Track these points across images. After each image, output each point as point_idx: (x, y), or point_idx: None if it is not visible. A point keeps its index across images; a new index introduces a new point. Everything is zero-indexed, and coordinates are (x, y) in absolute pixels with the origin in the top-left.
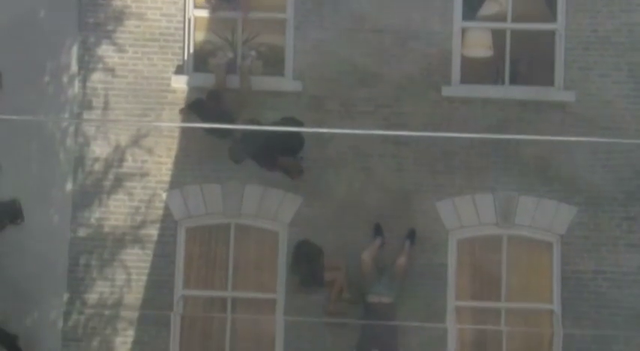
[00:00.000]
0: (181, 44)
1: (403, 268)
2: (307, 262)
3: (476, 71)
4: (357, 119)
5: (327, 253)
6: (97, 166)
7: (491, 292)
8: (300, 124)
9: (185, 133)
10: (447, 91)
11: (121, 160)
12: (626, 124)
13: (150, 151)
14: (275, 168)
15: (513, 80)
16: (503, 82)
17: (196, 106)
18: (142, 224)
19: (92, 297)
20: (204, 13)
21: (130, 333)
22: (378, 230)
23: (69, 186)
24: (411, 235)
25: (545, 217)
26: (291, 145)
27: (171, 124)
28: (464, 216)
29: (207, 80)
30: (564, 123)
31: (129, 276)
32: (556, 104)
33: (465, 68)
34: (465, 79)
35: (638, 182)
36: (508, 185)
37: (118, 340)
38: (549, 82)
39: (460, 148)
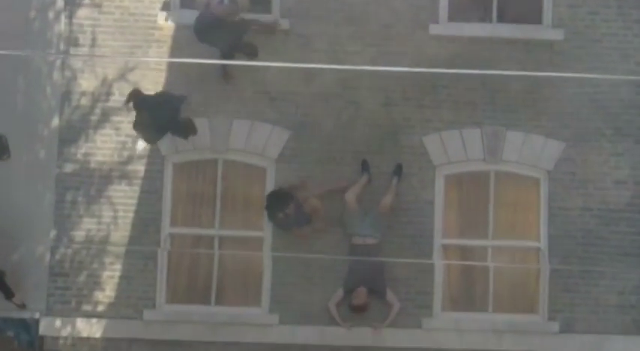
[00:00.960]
0: None
1: (388, 207)
2: (280, 210)
3: (463, 9)
4: (344, 59)
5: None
6: (84, 101)
7: (478, 229)
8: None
9: (172, 67)
10: (434, 29)
11: (108, 94)
12: (614, 63)
13: (137, 85)
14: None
15: (501, 18)
16: (491, 21)
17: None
18: (129, 160)
19: (79, 234)
20: None
21: (117, 267)
22: (364, 166)
23: (55, 121)
24: (398, 170)
25: (532, 152)
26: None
27: (157, 58)
28: (451, 151)
29: (194, 17)
30: (552, 62)
31: (115, 213)
32: (544, 43)
33: (453, 6)
34: (452, 18)
35: (626, 117)
36: (495, 120)
37: (105, 274)
38: (537, 20)
39: (448, 82)
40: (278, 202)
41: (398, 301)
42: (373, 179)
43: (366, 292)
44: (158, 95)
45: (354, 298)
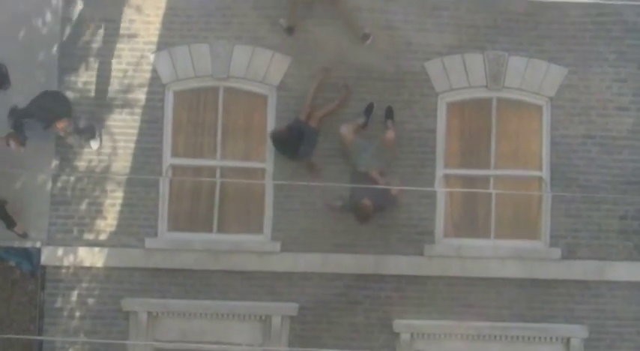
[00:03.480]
0: None
1: (392, 141)
2: (290, 145)
3: None
4: None
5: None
6: (85, 28)
7: (480, 158)
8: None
9: None
10: None
11: (109, 21)
12: None
13: (138, 9)
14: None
15: None
16: None
17: None
18: (130, 88)
19: (80, 165)
20: None
21: (119, 195)
22: (368, 110)
23: (55, 49)
24: (389, 113)
25: (535, 78)
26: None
27: None
28: (453, 78)
29: None
30: None
31: (116, 143)
32: None
33: None
34: None
35: (629, 42)
36: (498, 44)
37: (107, 202)
38: None
39: (450, 4)
40: (293, 137)
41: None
42: (376, 106)
43: (371, 204)
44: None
45: (358, 209)
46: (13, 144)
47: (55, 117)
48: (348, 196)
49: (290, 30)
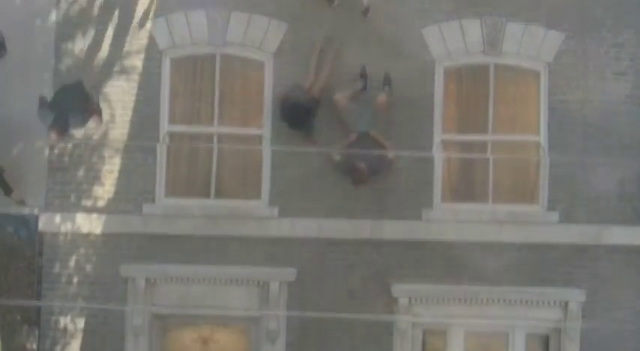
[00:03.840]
0: None
1: (384, 105)
2: (295, 110)
3: None
4: None
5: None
6: None
7: (477, 124)
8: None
9: None
10: None
11: None
12: None
13: None
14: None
15: None
16: None
17: None
18: (127, 55)
19: (77, 132)
20: None
21: (116, 162)
22: (362, 73)
23: (52, 16)
24: (387, 80)
25: (532, 44)
26: None
27: None
28: (450, 43)
29: None
30: None
31: (113, 110)
32: None
33: None
34: None
35: (627, 6)
36: (495, 9)
37: (104, 168)
38: None
39: None
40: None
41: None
42: (372, 71)
43: (366, 167)
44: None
45: (353, 172)
46: (53, 135)
47: (89, 114)
48: (344, 158)
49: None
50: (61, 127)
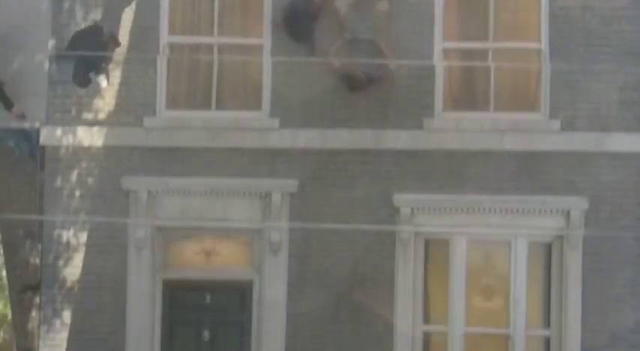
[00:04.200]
0: None
1: (385, 12)
2: (298, 16)
3: None
4: None
5: None
6: None
7: (478, 31)
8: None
9: None
10: None
11: None
12: None
13: None
14: None
15: None
16: None
17: None
18: None
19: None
20: None
21: (117, 74)
22: None
23: None
24: None
25: None
26: None
27: None
28: None
29: None
30: None
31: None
32: None
33: None
34: None
35: None
36: None
37: (104, 82)
38: None
39: None
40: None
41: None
42: None
43: (364, 75)
44: None
45: (350, 78)
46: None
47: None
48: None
49: None
50: (82, 80)
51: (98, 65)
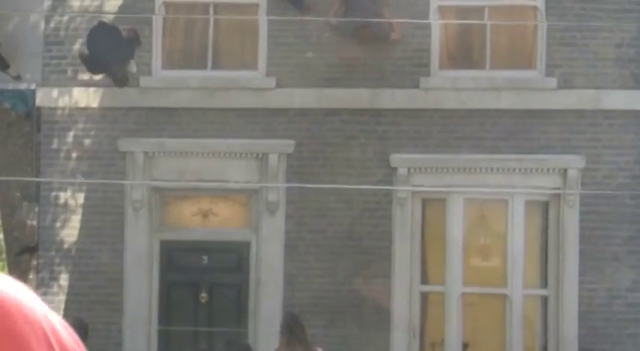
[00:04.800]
0: None
1: None
2: None
3: None
4: None
5: None
6: None
7: None
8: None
9: None
10: None
11: None
12: None
13: None
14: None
15: None
16: None
17: None
18: None
19: (74, 4)
20: None
21: None
22: None
23: None
24: None
25: None
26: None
27: None
28: None
29: None
30: None
31: None
32: None
33: None
34: None
35: None
36: None
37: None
38: None
39: None
40: None
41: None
42: None
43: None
44: None
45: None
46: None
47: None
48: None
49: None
50: (121, 78)
51: (124, 56)
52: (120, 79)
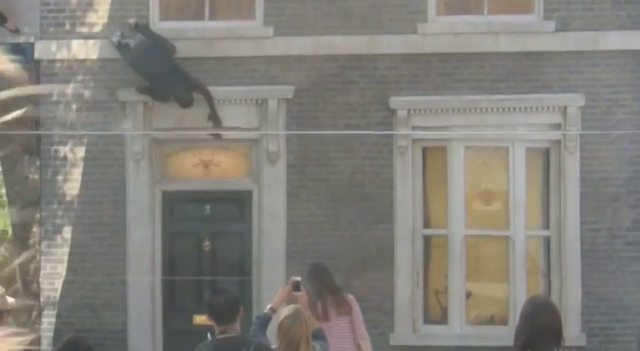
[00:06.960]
0: None
1: None
2: None
3: None
4: None
5: None
6: None
7: None
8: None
9: None
10: None
11: None
12: None
13: None
14: None
15: None
16: None
17: None
18: None
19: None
20: None
21: None
22: None
23: None
24: None
25: None
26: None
27: None
28: None
29: None
30: None
31: None
32: None
33: None
34: None
35: None
36: None
37: None
38: None
39: None
40: None
41: None
42: None
43: None
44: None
45: None
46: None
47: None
48: None
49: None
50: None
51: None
52: (186, 102)
